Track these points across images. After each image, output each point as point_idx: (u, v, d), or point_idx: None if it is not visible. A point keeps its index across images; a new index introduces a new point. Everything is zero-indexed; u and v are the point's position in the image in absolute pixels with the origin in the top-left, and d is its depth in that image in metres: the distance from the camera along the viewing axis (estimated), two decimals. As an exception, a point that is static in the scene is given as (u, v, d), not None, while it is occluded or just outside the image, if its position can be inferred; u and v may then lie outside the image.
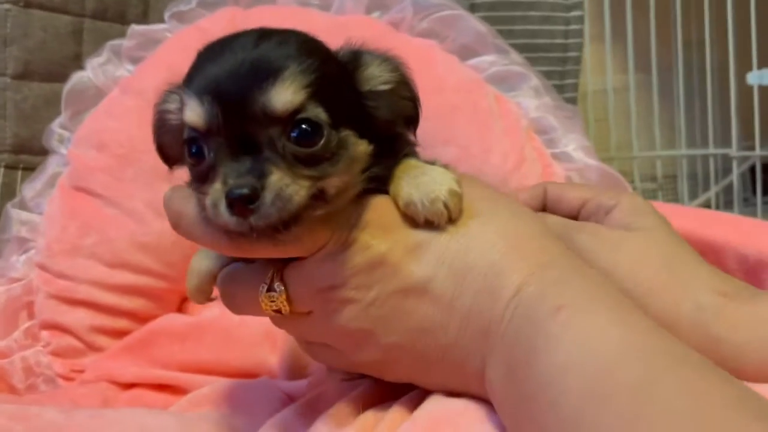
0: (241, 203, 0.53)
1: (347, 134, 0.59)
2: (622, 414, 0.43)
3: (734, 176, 1.68)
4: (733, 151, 1.66)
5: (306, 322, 0.64)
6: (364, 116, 0.62)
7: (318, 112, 0.56)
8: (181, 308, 1.09)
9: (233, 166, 0.55)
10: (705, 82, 1.70)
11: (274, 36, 0.59)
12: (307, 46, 0.60)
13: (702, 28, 1.66)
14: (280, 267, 0.63)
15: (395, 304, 0.60)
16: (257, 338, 0.97)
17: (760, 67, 1.62)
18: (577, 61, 1.29)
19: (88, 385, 0.97)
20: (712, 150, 1.71)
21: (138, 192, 1.04)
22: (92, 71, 1.09)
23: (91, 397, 0.93)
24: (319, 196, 0.57)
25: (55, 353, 1.01)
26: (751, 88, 1.61)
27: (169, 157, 0.68)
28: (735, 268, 0.79)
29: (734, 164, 1.68)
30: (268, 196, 0.53)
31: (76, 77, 1.10)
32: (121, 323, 1.03)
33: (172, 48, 1.09)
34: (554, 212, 0.76)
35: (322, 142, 0.57)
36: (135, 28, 1.10)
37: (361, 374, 0.74)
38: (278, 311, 0.63)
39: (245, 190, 0.53)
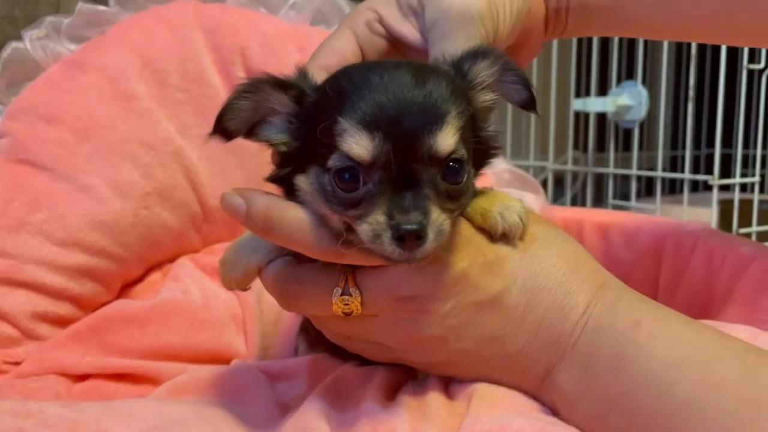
0: (412, 238, 0.58)
1: (470, 167, 0.65)
2: (740, 398, 0.55)
3: (549, 184, 2.03)
4: (549, 163, 2.01)
5: (369, 323, 0.69)
6: (475, 140, 0.66)
7: (463, 152, 0.62)
8: (121, 294, 1.05)
9: (397, 201, 0.59)
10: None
11: (430, 74, 0.63)
12: (456, 87, 0.64)
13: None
14: (351, 271, 0.67)
15: (469, 315, 0.67)
16: (224, 319, 0.99)
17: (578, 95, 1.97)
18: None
19: (35, 378, 0.90)
20: (532, 162, 2.03)
21: (95, 168, 1.00)
22: (30, 44, 1.04)
23: (42, 393, 0.87)
24: None
25: (-15, 342, 0.92)
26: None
27: (226, 129, 0.65)
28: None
29: (549, 174, 2.03)
30: (431, 232, 0.59)
31: (12, 48, 1.04)
32: (64, 309, 0.98)
33: (131, 29, 1.07)
34: None
35: (465, 178, 0.63)
36: (84, 5, 1.07)
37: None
38: (347, 314, 0.68)
39: (416, 227, 0.58)
